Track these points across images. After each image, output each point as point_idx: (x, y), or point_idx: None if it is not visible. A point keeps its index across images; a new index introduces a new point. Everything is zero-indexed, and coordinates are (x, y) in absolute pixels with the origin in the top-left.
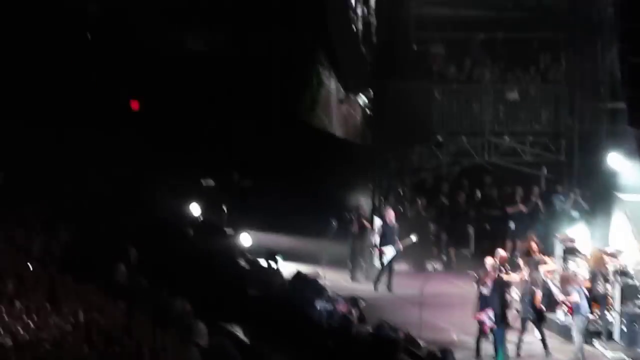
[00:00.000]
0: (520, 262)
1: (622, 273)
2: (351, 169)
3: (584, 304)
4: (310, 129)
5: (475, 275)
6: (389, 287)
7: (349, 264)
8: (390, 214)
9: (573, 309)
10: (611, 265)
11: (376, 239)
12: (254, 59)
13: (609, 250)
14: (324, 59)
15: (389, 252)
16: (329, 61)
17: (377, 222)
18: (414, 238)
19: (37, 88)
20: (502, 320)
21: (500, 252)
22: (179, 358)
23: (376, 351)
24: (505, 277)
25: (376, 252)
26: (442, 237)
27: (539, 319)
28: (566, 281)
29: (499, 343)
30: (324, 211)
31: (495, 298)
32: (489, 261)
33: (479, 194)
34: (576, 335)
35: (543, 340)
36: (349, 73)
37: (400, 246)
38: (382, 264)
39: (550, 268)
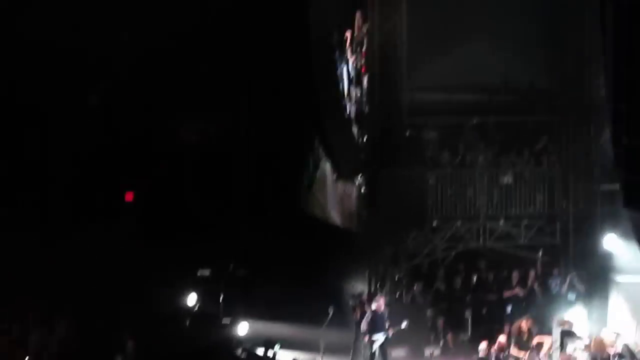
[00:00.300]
0: (513, 346)
1: (621, 356)
2: (347, 255)
3: None
4: (306, 216)
5: None
6: None
7: (351, 352)
8: (380, 301)
9: None
10: (612, 349)
11: (365, 327)
12: (249, 148)
13: (607, 333)
14: (318, 145)
15: (379, 339)
16: (322, 147)
17: (371, 308)
18: (405, 325)
19: (29, 178)
20: None
21: (500, 338)
22: None
23: None
24: None
25: (366, 340)
26: (439, 322)
27: None
28: None
29: None
30: (321, 298)
31: None
32: (482, 346)
33: (475, 278)
34: None
35: None
36: (342, 159)
37: (390, 333)
38: (371, 351)
39: (546, 346)
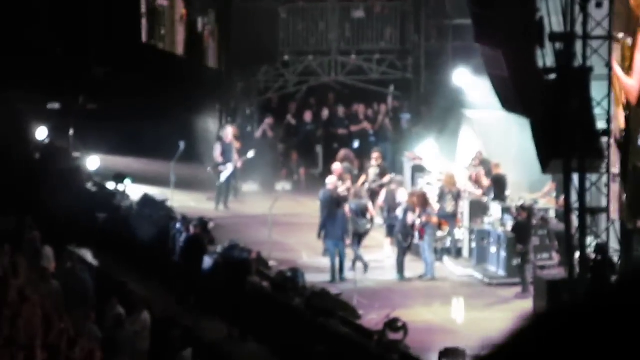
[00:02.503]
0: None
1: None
2: (198, 90)
3: (435, 223)
4: (156, 51)
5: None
6: (226, 204)
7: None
8: (228, 132)
9: (425, 229)
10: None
11: (217, 158)
12: None
13: (457, 168)
14: None
15: (228, 169)
16: None
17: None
18: (251, 154)
19: None
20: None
21: (334, 166)
22: (30, 282)
23: (227, 272)
24: (338, 191)
25: (217, 171)
26: (291, 157)
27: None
28: (423, 201)
29: (331, 257)
30: (171, 133)
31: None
32: (330, 179)
33: (326, 113)
34: (427, 253)
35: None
36: None
37: (239, 164)
38: (219, 182)
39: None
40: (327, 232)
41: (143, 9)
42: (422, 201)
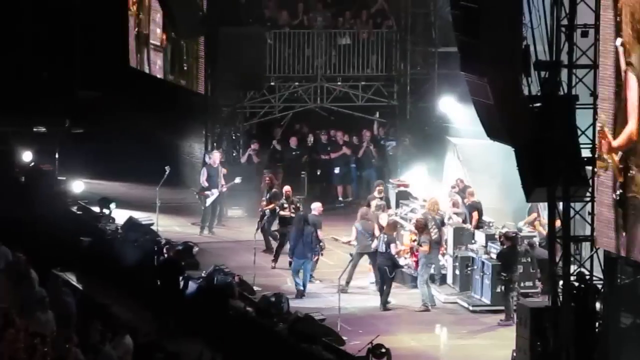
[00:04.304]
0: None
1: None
2: (184, 114)
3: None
4: (142, 74)
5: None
6: (211, 229)
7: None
8: (215, 156)
9: (419, 258)
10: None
11: (203, 182)
12: (80, 8)
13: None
14: (158, 4)
15: (213, 194)
16: (161, 7)
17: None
18: (238, 180)
19: None
20: (292, 253)
21: (286, 187)
22: (15, 306)
23: (210, 296)
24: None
25: (203, 195)
26: (275, 182)
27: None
28: (421, 228)
29: (293, 274)
30: (157, 157)
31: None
32: (315, 205)
33: (311, 139)
34: (419, 282)
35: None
36: (181, 19)
37: (225, 188)
38: (205, 206)
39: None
40: (296, 250)
41: (132, 33)
42: (420, 227)
